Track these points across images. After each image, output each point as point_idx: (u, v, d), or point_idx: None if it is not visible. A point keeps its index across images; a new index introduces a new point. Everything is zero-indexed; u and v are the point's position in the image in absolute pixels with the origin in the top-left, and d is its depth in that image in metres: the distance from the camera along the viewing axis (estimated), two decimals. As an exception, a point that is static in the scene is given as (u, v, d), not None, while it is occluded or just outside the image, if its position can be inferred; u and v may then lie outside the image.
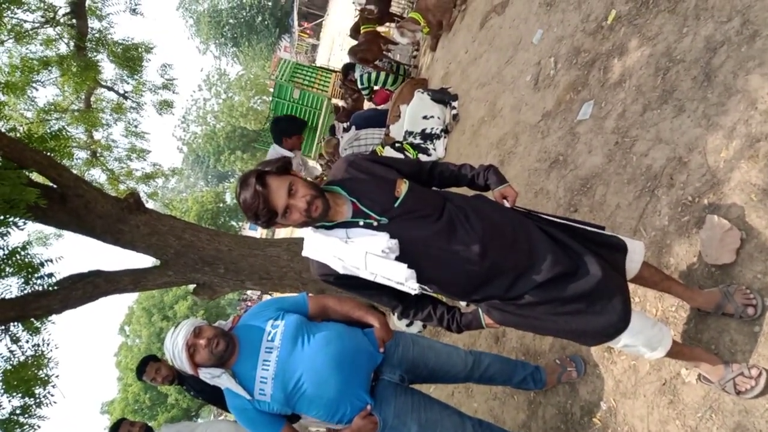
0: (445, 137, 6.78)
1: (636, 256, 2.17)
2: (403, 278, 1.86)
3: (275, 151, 5.73)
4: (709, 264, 2.50)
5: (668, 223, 2.81)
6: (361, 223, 1.92)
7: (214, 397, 3.61)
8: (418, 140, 6.83)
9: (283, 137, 5.65)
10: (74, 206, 4.73)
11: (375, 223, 1.91)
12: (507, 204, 2.15)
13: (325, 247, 1.93)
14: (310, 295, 2.89)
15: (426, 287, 2.00)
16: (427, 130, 6.81)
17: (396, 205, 1.93)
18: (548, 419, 3.17)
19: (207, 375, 2.53)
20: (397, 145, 6.86)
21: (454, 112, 6.79)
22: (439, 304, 2.18)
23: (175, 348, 2.52)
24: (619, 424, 2.71)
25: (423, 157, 6.79)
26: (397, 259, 1.87)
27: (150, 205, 5.41)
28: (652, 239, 2.86)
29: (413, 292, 1.92)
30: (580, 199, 3.55)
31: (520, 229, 2.01)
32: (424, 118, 6.88)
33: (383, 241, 1.85)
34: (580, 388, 3.04)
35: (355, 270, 1.91)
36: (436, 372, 2.87)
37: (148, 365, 4.33)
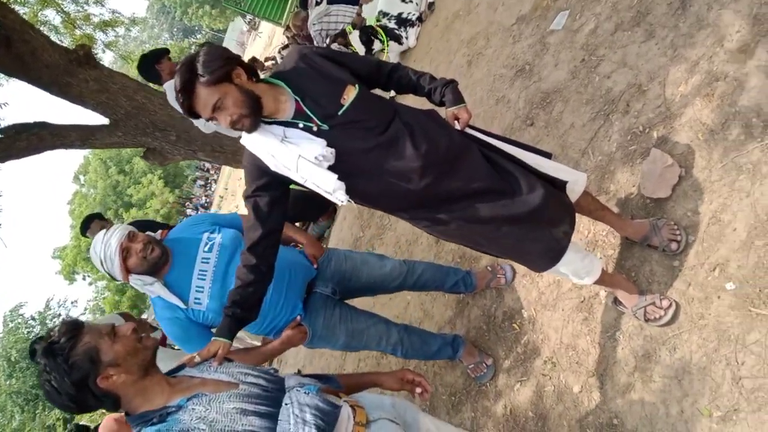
0: (418, 26, 6.54)
1: (577, 187, 2.17)
2: (331, 188, 1.83)
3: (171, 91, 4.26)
4: (645, 196, 2.56)
5: (616, 149, 2.84)
6: (301, 125, 1.84)
7: None
8: (392, 24, 6.57)
9: (159, 76, 4.44)
10: (20, 52, 4.48)
11: (315, 128, 1.84)
12: (458, 126, 2.08)
13: (260, 142, 1.87)
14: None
15: (356, 200, 1.97)
16: (404, 15, 6.53)
17: (340, 113, 1.84)
18: (473, 319, 3.34)
19: (138, 282, 2.47)
20: (368, 29, 6.57)
21: (430, 0, 6.51)
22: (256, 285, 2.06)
23: (107, 249, 2.42)
24: (536, 332, 2.88)
25: (394, 45, 6.57)
26: (331, 168, 1.82)
27: (107, 55, 5.13)
28: (597, 164, 2.90)
29: (341, 204, 1.90)
30: (538, 113, 3.53)
31: (463, 155, 1.96)
32: (402, 1, 6.57)
33: (319, 148, 1.79)
34: (506, 295, 3.19)
35: (286, 170, 1.86)
36: (369, 285, 2.93)
37: (93, 222, 4.31)
